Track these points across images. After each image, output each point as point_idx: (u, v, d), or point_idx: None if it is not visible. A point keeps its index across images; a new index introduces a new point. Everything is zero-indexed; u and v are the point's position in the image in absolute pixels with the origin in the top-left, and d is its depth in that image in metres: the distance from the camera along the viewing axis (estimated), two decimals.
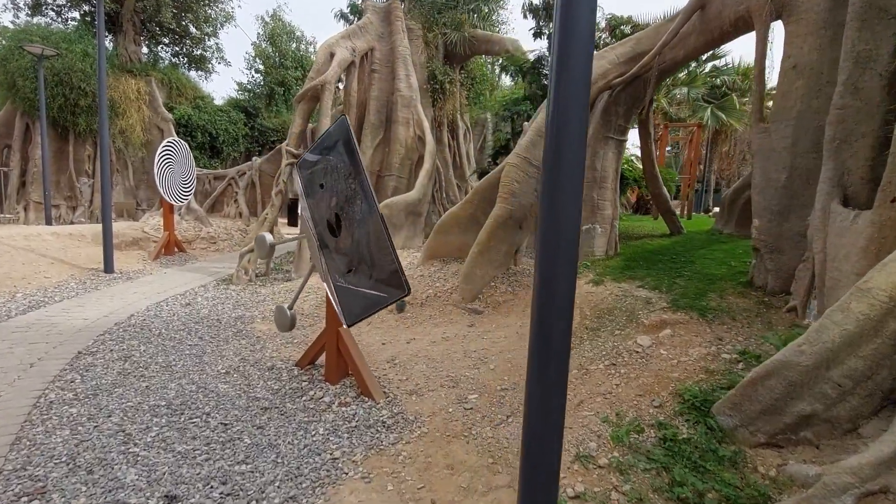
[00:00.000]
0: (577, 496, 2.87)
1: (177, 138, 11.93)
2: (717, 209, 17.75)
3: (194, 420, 3.71)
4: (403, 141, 10.87)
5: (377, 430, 3.60)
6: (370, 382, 4.11)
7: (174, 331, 5.89)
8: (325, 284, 4.27)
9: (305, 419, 3.77)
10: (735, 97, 17.23)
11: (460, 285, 6.30)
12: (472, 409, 3.92)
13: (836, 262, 4.01)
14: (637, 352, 4.60)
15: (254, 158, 15.94)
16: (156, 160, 10.88)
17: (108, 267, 8.94)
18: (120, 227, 11.47)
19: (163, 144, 11.26)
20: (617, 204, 7.56)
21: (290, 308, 4.52)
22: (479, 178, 12.03)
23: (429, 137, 10.57)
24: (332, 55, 10.01)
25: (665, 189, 8.62)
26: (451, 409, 3.91)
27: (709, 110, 16.88)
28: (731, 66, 16.41)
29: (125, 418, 3.68)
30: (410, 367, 4.72)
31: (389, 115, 11.01)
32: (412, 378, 4.49)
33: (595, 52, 7.06)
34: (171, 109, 16.31)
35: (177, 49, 19.32)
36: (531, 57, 9.39)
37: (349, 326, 4.04)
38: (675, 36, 5.98)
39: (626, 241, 8.35)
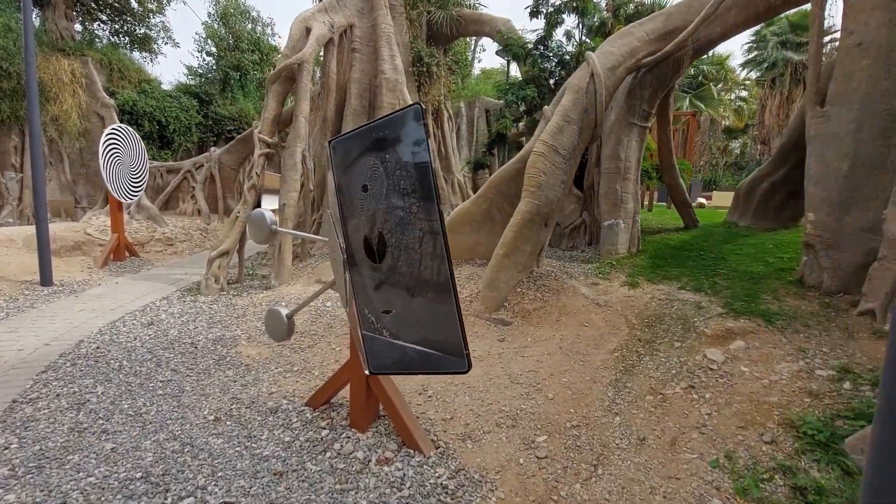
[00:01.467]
0: None
1: (123, 125, 10.33)
2: (701, 200, 17.89)
3: (186, 501, 2.73)
4: None
5: (439, 499, 2.77)
6: (415, 430, 3.25)
7: (139, 362, 4.75)
8: (346, 309, 3.36)
9: (338, 488, 2.87)
10: (712, 86, 17.29)
11: (483, 292, 5.50)
12: (546, 457, 3.16)
13: None
14: (713, 369, 3.99)
15: (212, 149, 14.37)
16: (100, 150, 9.33)
17: (46, 278, 7.48)
18: (58, 228, 9.81)
19: (106, 132, 9.68)
20: (638, 197, 6.99)
21: (291, 316, 3.58)
22: (475, 170, 11.25)
23: None
24: (308, 30, 8.84)
25: (681, 180, 8.16)
26: (521, 461, 3.13)
27: (687, 100, 16.85)
28: (707, 55, 16.42)
29: None
30: (450, 400, 3.90)
31: (373, 100, 9.96)
32: (457, 416, 3.67)
33: (623, 28, 6.40)
34: (112, 94, 14.38)
35: (116, 27, 17.14)
36: (531, 37, 8.64)
37: (372, 375, 3.18)
38: (716, 9, 5.39)
39: (644, 237, 7.84)
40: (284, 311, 3.55)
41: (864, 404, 3.16)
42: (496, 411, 3.69)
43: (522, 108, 8.27)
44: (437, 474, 2.97)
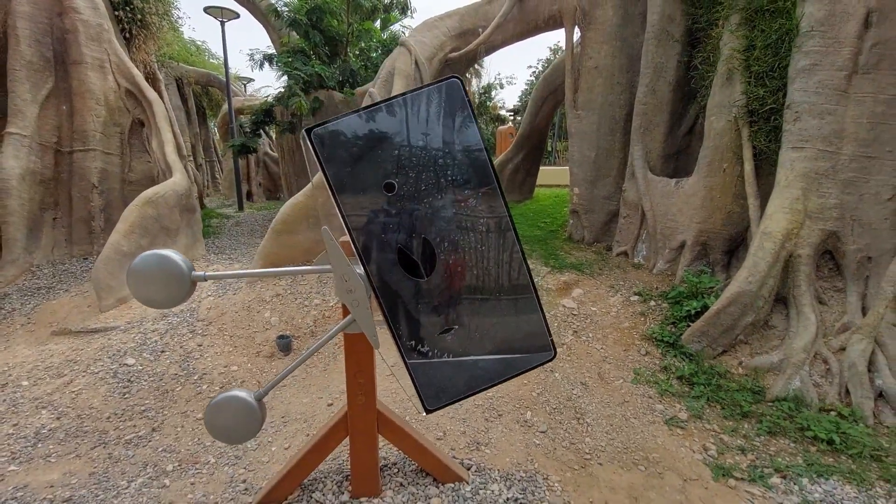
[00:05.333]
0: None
1: None
2: None
3: None
4: (102, 96, 6.86)
5: None
6: (448, 460, 2.89)
7: None
8: (376, 349, 2.57)
9: None
10: None
11: None
12: (547, 430, 3.44)
13: (670, 216, 5.67)
14: (575, 315, 5.13)
15: None
16: None
17: None
18: None
19: None
20: None
21: (261, 398, 2.47)
22: (240, 153, 9.24)
23: (152, 94, 7.12)
24: None
25: None
26: (535, 441, 3.31)
27: None
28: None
29: None
30: (424, 418, 3.56)
31: (62, 51, 6.62)
32: (446, 430, 3.43)
33: (427, 20, 6.64)
34: None
35: None
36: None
37: (431, 412, 2.64)
38: (504, 19, 6.41)
39: None
40: (246, 395, 2.35)
41: (671, 314, 4.86)
42: (473, 409, 3.65)
43: (300, 86, 7.29)
44: (496, 492, 2.80)
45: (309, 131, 2.23)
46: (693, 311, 4.62)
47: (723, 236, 5.17)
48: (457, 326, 2.48)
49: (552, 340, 2.54)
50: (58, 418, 3.70)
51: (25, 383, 4.15)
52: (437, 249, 2.36)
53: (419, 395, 2.51)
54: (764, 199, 4.60)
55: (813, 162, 4.16)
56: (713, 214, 5.20)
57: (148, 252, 2.13)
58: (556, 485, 2.88)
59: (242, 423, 2.33)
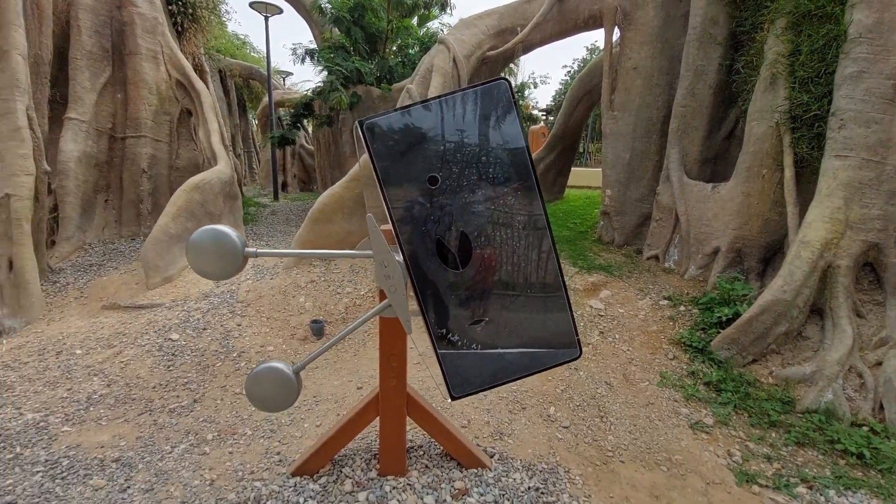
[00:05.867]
0: None
1: None
2: None
3: None
4: (154, 85, 7.25)
5: (543, 500, 2.73)
6: (472, 446, 2.99)
7: None
8: (407, 332, 2.70)
9: None
10: None
11: None
12: (570, 426, 3.49)
13: (705, 221, 5.58)
14: (602, 316, 5.13)
15: None
16: None
17: None
18: None
19: None
20: None
21: (299, 371, 2.61)
22: (279, 144, 9.58)
23: (200, 85, 7.47)
24: None
25: None
26: (558, 436, 3.37)
27: None
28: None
29: None
30: (449, 405, 3.67)
31: (120, 42, 7.03)
32: (470, 418, 3.53)
33: (466, 18, 6.73)
34: None
35: None
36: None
37: (456, 399, 2.73)
38: (543, 18, 6.43)
39: None
40: (284, 367, 2.50)
41: (701, 319, 4.81)
42: (497, 400, 3.73)
43: (340, 81, 7.50)
44: (518, 480, 2.88)
45: (361, 123, 2.36)
46: (724, 318, 4.57)
47: (759, 243, 5.07)
48: (487, 319, 2.56)
49: (579, 340, 2.59)
50: (108, 385, 3.98)
51: (79, 352, 4.47)
52: (474, 243, 2.45)
53: (446, 382, 2.60)
54: (803, 207, 4.49)
55: (857, 171, 4.05)
56: (750, 221, 5.11)
57: (206, 227, 2.30)
58: (577, 478, 2.94)
59: (280, 392, 2.48)
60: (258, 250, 2.39)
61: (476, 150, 2.33)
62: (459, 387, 2.62)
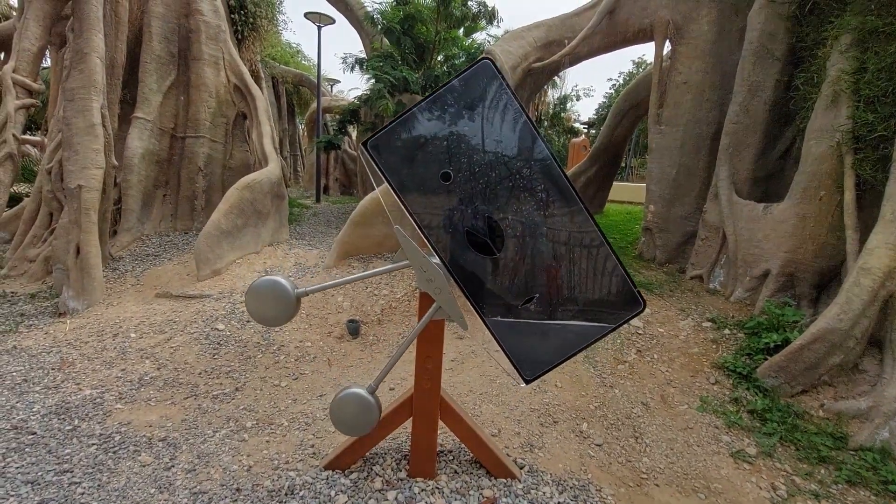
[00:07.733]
0: None
1: None
2: None
3: None
4: (214, 89, 7.70)
5: None
6: (502, 455, 2.98)
7: None
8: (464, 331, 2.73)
9: None
10: None
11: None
12: (603, 444, 3.41)
13: (754, 243, 5.35)
14: (640, 334, 4.99)
15: None
16: None
17: None
18: None
19: None
20: None
21: (373, 391, 2.68)
22: (326, 149, 9.95)
23: (256, 90, 7.87)
24: None
25: None
26: (590, 453, 3.30)
27: None
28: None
29: None
30: (479, 412, 3.67)
31: (185, 48, 7.53)
32: (501, 427, 3.51)
33: (514, 31, 6.81)
34: None
35: None
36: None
37: (531, 382, 2.70)
38: (592, 31, 6.40)
39: None
40: (364, 392, 2.58)
41: (747, 344, 4.60)
42: (529, 412, 3.70)
43: (387, 89, 7.73)
44: (547, 494, 2.84)
45: (365, 144, 2.42)
46: (772, 345, 4.35)
47: (813, 268, 4.82)
48: (538, 295, 2.50)
49: (639, 292, 2.46)
50: (158, 368, 4.21)
51: (133, 335, 4.75)
52: (502, 224, 2.43)
53: (516, 368, 2.56)
54: (864, 232, 4.24)
55: None
56: (804, 244, 4.87)
57: (263, 278, 2.45)
58: (609, 497, 2.87)
59: (360, 415, 2.57)
60: (307, 289, 2.51)
61: (479, 134, 2.33)
62: (530, 369, 2.54)
